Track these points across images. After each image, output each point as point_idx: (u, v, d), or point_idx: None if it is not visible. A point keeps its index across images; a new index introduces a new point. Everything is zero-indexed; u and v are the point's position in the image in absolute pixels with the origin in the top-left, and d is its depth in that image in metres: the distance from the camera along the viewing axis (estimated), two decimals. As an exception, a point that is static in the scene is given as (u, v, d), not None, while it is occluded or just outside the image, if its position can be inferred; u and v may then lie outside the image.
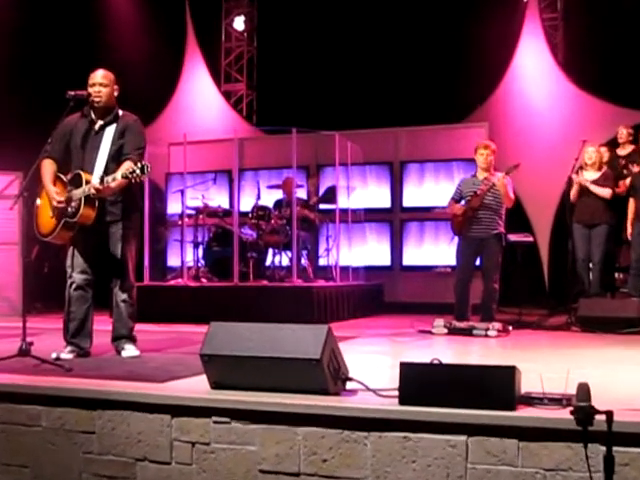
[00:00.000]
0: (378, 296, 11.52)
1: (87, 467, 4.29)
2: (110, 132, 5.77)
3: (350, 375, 4.18)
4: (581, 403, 3.25)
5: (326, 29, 13.01)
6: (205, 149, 12.42)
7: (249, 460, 3.96)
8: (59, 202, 5.59)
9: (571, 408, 3.31)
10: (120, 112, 5.88)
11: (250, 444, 3.95)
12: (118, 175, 5.46)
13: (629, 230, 8.88)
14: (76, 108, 5.82)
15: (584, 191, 9.00)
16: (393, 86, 12.62)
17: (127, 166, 5.56)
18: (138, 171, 5.38)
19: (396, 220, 12.11)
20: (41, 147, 5.69)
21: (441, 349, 6.84)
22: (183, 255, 10.60)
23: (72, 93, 5.65)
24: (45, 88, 10.84)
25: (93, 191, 5.47)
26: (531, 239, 9.70)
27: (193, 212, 10.75)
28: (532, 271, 11.26)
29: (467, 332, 7.64)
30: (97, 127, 5.78)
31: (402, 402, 3.75)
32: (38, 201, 5.83)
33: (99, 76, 5.77)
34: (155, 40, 13.50)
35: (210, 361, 4.16)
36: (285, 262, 10.48)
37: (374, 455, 3.74)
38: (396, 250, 12.05)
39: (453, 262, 8.82)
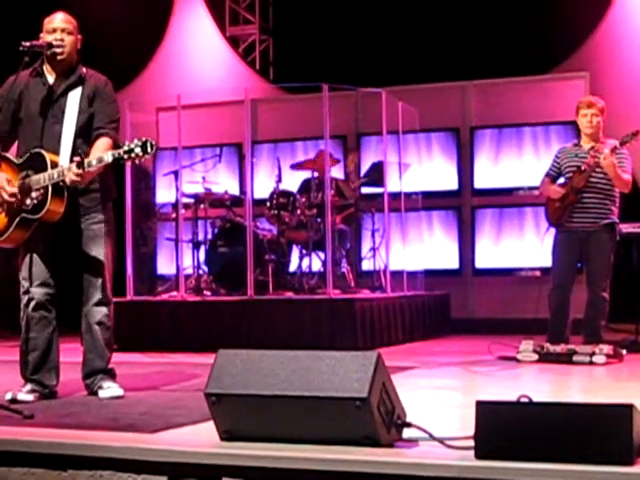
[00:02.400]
0: (443, 311, 11.51)
1: None
2: (75, 97, 5.79)
3: (408, 419, 4.18)
4: None
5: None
6: (206, 115, 12.48)
7: (273, 536, 3.98)
8: (12, 195, 5.61)
9: None
10: (84, 70, 5.90)
11: (274, 514, 3.98)
12: (108, 156, 5.45)
13: None
14: (31, 65, 5.86)
15: None
16: (458, 26, 12.56)
17: (105, 144, 5.62)
18: (138, 150, 5.35)
19: (466, 207, 12.10)
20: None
21: (531, 382, 6.84)
22: (179, 259, 10.67)
23: (28, 44, 5.68)
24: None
25: (73, 177, 5.44)
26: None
27: (191, 201, 10.81)
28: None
29: (566, 358, 7.61)
30: (59, 91, 5.81)
31: (480, 455, 3.75)
32: None
33: (60, 20, 5.80)
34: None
35: (219, 403, 4.18)
36: (316, 267, 10.50)
37: (444, 528, 3.75)
38: (466, 248, 12.04)
39: (546, 263, 8.78)
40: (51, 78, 5.84)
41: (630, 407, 3.65)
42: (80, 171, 5.41)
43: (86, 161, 5.45)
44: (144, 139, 5.39)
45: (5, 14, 11.82)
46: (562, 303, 8.19)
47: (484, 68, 11.94)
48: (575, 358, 7.57)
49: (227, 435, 4.21)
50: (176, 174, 10.77)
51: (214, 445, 4.17)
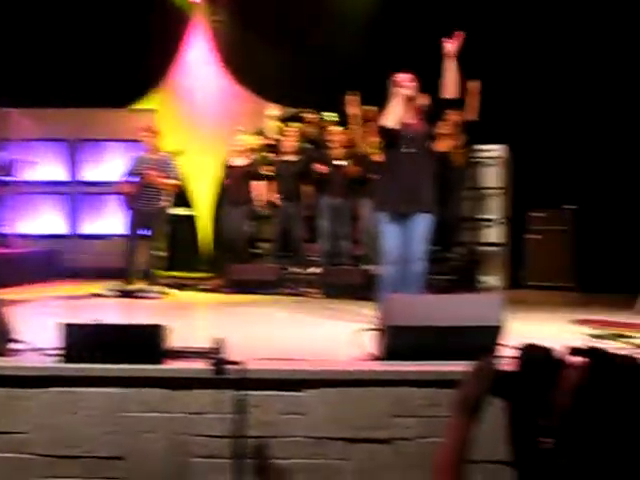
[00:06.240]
0: (57, 262, 11.07)
1: None
2: None
3: (18, 337, 4.04)
4: (218, 355, 3.46)
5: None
6: None
7: None
8: None
9: (211, 360, 3.51)
10: None
11: None
12: None
13: None
14: None
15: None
16: (79, 70, 11.98)
17: None
18: None
19: (74, 192, 11.73)
20: None
21: (112, 310, 6.80)
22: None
23: None
24: None
25: None
26: (193, 213, 9.88)
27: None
28: (193, 240, 11.44)
29: (135, 294, 7.63)
30: None
31: (67, 360, 3.72)
32: None
33: None
34: None
35: None
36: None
37: (39, 409, 3.67)
38: (74, 220, 11.69)
39: (125, 232, 8.76)
40: None
41: (159, 326, 3.78)
42: None
43: None
44: None
45: None
46: (132, 257, 8.17)
47: (91, 100, 11.44)
48: (141, 294, 7.61)
49: None
50: None
51: None
